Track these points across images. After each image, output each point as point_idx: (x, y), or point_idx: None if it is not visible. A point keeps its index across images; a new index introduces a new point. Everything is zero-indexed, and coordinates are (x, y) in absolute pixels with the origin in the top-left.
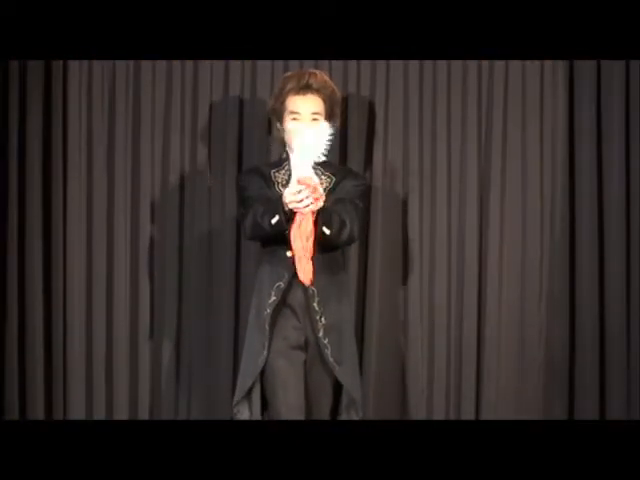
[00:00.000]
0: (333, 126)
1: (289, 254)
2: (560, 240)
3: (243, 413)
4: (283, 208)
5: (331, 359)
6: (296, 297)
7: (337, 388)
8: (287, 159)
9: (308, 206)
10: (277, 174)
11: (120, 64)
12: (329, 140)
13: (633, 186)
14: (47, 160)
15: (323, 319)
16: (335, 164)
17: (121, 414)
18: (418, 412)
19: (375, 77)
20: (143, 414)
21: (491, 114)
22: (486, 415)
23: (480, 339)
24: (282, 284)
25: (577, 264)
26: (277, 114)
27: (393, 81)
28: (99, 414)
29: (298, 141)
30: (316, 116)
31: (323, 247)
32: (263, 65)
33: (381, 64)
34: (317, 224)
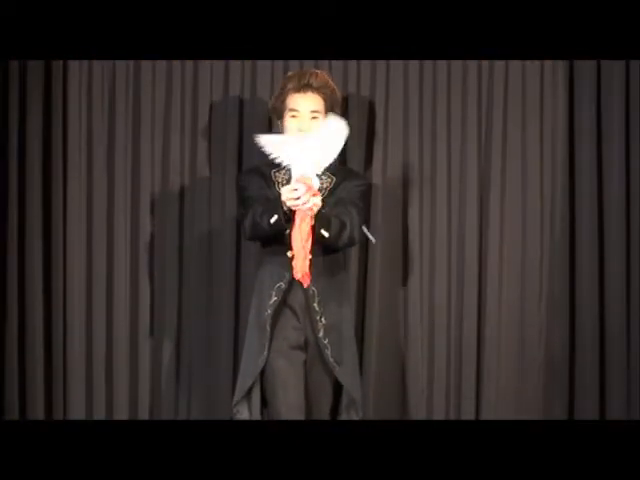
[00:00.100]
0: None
1: (289, 254)
2: (560, 240)
3: (243, 413)
4: (282, 207)
5: (331, 359)
6: (296, 297)
7: (337, 388)
8: None
9: (306, 203)
10: (277, 174)
11: (120, 64)
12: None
13: (633, 186)
14: (47, 160)
15: (323, 319)
16: (335, 164)
17: (121, 414)
18: (418, 412)
19: (375, 77)
20: (143, 414)
21: (491, 114)
22: (486, 415)
23: (480, 339)
24: (283, 284)
25: (577, 264)
26: (277, 112)
27: (393, 81)
28: (99, 414)
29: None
30: (315, 114)
31: (324, 249)
32: (263, 65)
33: (381, 64)
34: (316, 227)
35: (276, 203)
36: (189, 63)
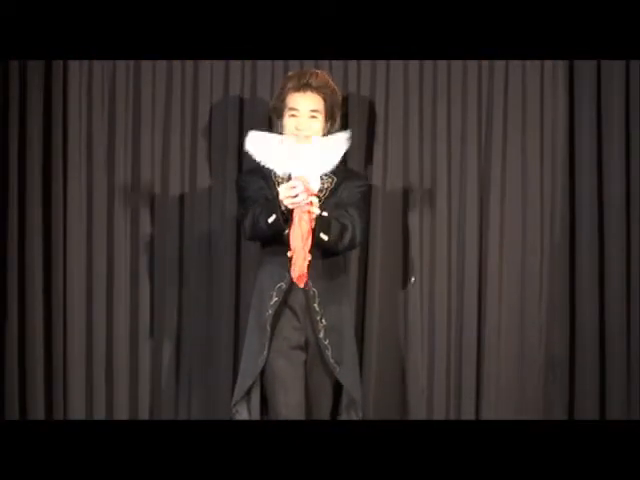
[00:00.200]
0: (332, 127)
1: (289, 254)
2: (560, 240)
3: (242, 413)
4: (280, 207)
5: (332, 360)
6: (297, 298)
7: (337, 388)
8: None
9: (304, 201)
10: (278, 174)
11: (120, 64)
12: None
13: (633, 186)
14: (47, 160)
15: (324, 320)
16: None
17: (121, 414)
18: (418, 412)
19: (375, 77)
20: (143, 414)
21: (491, 114)
22: (486, 415)
23: (480, 339)
24: (284, 285)
25: (577, 264)
26: (277, 112)
27: (393, 81)
28: (99, 414)
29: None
30: (314, 114)
31: (324, 253)
32: (263, 65)
33: (381, 64)
34: (315, 231)
35: (275, 203)
36: (189, 63)
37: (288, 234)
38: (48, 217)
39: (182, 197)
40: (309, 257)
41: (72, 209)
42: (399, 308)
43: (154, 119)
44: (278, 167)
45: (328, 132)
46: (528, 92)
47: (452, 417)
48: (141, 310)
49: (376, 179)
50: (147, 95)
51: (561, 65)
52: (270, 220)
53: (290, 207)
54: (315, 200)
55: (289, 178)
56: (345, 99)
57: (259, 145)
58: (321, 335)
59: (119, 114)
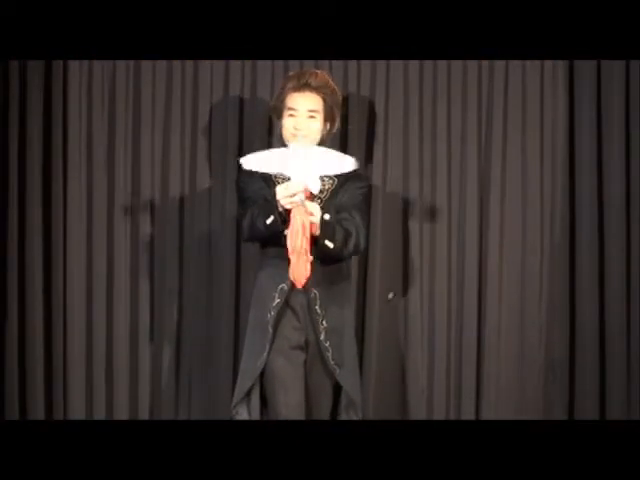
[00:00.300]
0: (332, 128)
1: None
2: (560, 240)
3: (242, 414)
4: (277, 208)
5: (332, 362)
6: (298, 298)
7: (337, 388)
8: None
9: (301, 201)
10: (278, 175)
11: (120, 64)
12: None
13: (633, 186)
14: (47, 160)
15: (325, 322)
16: None
17: (121, 414)
18: (418, 412)
19: (375, 77)
20: (143, 414)
21: (491, 114)
22: (486, 415)
23: (480, 339)
24: (285, 286)
25: (577, 264)
26: (277, 112)
27: (393, 81)
28: (99, 414)
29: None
30: (313, 114)
31: (328, 259)
32: (263, 65)
33: (381, 64)
34: (320, 238)
35: (272, 204)
36: (189, 63)
37: (287, 235)
38: (48, 217)
39: (182, 197)
40: (310, 258)
41: (72, 209)
42: (399, 308)
43: (154, 119)
44: (278, 169)
45: (328, 132)
46: (528, 92)
47: (452, 417)
48: (141, 310)
49: (376, 179)
50: (147, 95)
51: (561, 65)
52: (268, 221)
53: (287, 207)
54: (316, 209)
55: (289, 179)
56: (345, 99)
57: (257, 163)
58: (322, 337)
59: (119, 114)
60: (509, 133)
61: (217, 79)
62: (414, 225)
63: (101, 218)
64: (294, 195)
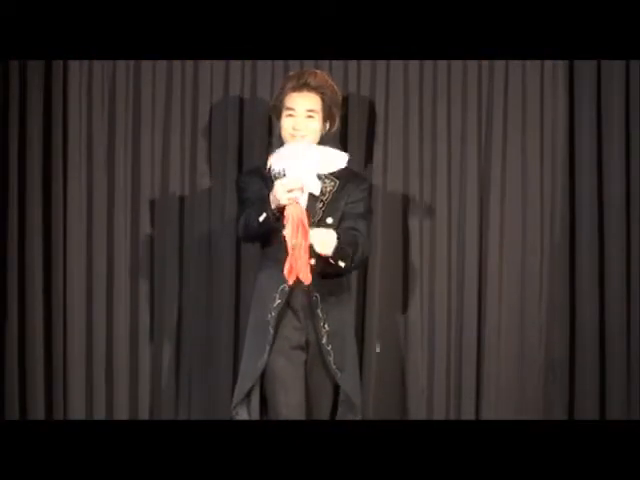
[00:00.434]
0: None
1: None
2: (560, 240)
3: (242, 415)
4: (270, 205)
5: (334, 367)
6: (298, 299)
7: (337, 389)
8: None
9: (298, 197)
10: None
11: (120, 64)
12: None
13: (633, 186)
14: (47, 160)
15: (327, 325)
16: None
17: (121, 414)
18: (418, 412)
19: (375, 77)
20: (143, 414)
21: (491, 114)
22: (486, 415)
23: (480, 339)
24: (286, 286)
25: (577, 264)
26: (277, 112)
27: (393, 81)
28: (99, 414)
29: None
30: (311, 113)
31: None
32: (263, 65)
33: (381, 64)
34: (333, 259)
35: (266, 201)
36: (189, 63)
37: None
38: (48, 217)
39: (182, 197)
40: (306, 257)
41: (72, 209)
42: (399, 308)
43: (154, 119)
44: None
45: (327, 132)
46: (528, 92)
47: (452, 417)
48: (141, 310)
49: (376, 179)
50: (147, 95)
51: (561, 65)
52: (261, 218)
53: (284, 203)
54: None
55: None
56: (345, 99)
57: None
58: (324, 341)
59: (119, 114)
60: (509, 133)
61: (217, 79)
62: (414, 225)
63: (101, 218)
64: (291, 191)
